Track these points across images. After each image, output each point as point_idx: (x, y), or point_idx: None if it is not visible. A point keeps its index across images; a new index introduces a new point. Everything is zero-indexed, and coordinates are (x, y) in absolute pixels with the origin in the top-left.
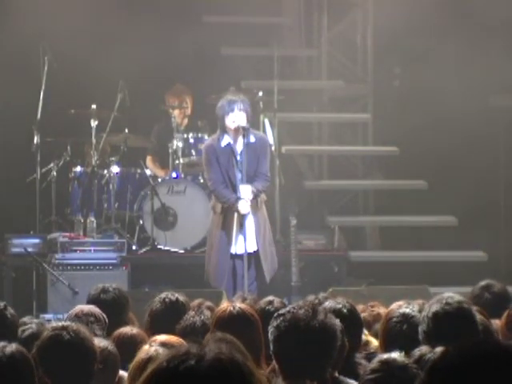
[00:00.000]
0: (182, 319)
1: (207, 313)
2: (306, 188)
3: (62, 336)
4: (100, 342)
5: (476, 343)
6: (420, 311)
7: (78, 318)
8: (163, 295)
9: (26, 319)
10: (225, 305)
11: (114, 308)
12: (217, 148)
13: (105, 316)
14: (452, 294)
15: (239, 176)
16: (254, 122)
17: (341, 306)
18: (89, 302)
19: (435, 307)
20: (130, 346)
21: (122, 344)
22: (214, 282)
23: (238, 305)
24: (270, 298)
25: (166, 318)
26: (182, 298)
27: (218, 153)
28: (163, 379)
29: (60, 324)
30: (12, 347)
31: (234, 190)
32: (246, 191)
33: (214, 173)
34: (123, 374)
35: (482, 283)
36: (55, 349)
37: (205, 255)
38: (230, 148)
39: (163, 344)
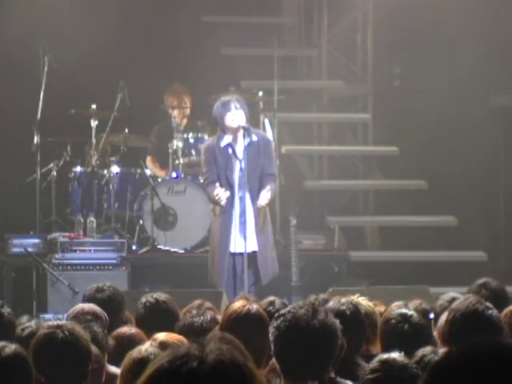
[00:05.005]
0: (182, 318)
1: (209, 315)
2: (306, 188)
3: (56, 334)
4: None
5: (477, 343)
6: (416, 311)
7: (79, 316)
8: (143, 299)
9: (24, 319)
10: (240, 303)
11: (110, 306)
12: (216, 148)
13: (105, 314)
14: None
15: (240, 175)
16: (253, 122)
17: (345, 307)
18: (84, 302)
19: (467, 309)
20: (129, 346)
21: (121, 343)
22: (216, 283)
23: (255, 305)
24: (271, 298)
25: (150, 322)
26: (162, 297)
27: (216, 153)
28: (165, 380)
29: (55, 323)
30: (11, 348)
31: (232, 189)
32: (263, 198)
33: (208, 172)
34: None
35: (479, 281)
36: (49, 347)
37: (208, 256)
38: (229, 147)
39: (162, 343)
